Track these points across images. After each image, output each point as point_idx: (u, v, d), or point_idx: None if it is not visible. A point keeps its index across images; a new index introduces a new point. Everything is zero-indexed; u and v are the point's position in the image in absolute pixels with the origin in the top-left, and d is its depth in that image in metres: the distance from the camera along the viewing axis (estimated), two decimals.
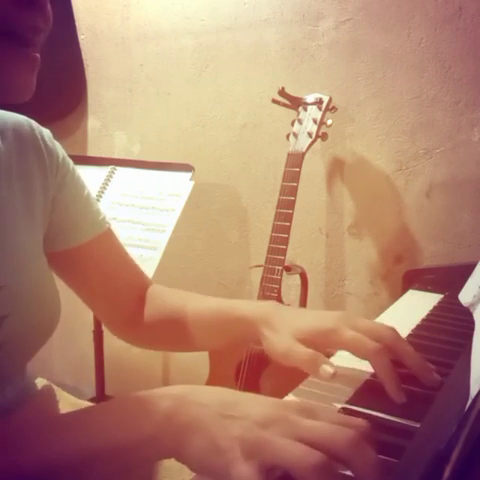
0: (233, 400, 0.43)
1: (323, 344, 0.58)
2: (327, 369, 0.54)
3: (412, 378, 0.60)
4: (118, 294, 0.78)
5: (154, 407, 0.42)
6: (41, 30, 0.48)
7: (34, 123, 0.68)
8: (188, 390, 0.44)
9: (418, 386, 0.58)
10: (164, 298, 0.79)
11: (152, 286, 0.82)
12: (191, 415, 0.41)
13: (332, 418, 0.41)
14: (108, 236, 0.76)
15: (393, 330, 0.58)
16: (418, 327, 0.78)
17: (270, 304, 0.66)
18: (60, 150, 0.71)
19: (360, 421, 0.41)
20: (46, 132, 0.69)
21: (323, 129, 1.38)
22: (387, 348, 0.55)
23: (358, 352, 0.56)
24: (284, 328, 0.60)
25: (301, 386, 0.60)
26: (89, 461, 0.41)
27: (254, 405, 0.42)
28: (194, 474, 0.43)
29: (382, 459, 0.42)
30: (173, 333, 0.76)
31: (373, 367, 0.56)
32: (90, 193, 0.75)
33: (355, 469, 0.37)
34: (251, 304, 0.68)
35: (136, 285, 0.80)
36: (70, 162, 0.73)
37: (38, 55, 0.49)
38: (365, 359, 0.56)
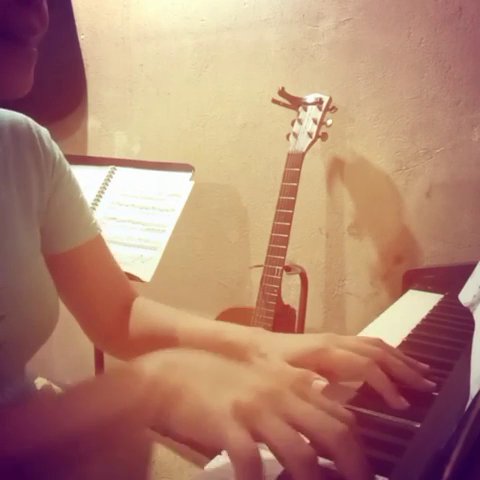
0: (225, 367, 0.43)
1: (313, 365, 0.57)
2: (320, 384, 0.54)
3: None
4: (102, 302, 0.76)
5: (139, 374, 0.42)
6: (37, 30, 0.48)
7: (32, 122, 0.67)
8: (178, 355, 0.44)
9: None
10: (151, 313, 0.77)
11: (138, 298, 0.80)
12: (179, 380, 0.41)
13: (322, 403, 0.41)
14: (99, 242, 0.75)
15: (380, 344, 0.58)
16: (418, 327, 0.78)
17: (257, 330, 0.66)
18: (57, 151, 0.70)
19: (346, 413, 0.41)
20: (44, 131, 0.69)
21: (323, 129, 1.38)
22: (377, 362, 0.55)
23: (349, 369, 0.56)
24: (272, 352, 0.60)
25: None
26: (84, 435, 0.41)
27: (247, 375, 0.42)
28: (194, 474, 0.43)
29: (372, 457, 0.42)
30: (159, 350, 0.75)
31: (368, 381, 0.55)
32: (84, 197, 0.74)
33: (341, 465, 0.37)
34: (239, 329, 0.67)
35: (121, 295, 0.78)
36: (66, 164, 0.72)
37: (35, 50, 0.49)
38: (357, 376, 0.57)
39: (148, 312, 0.77)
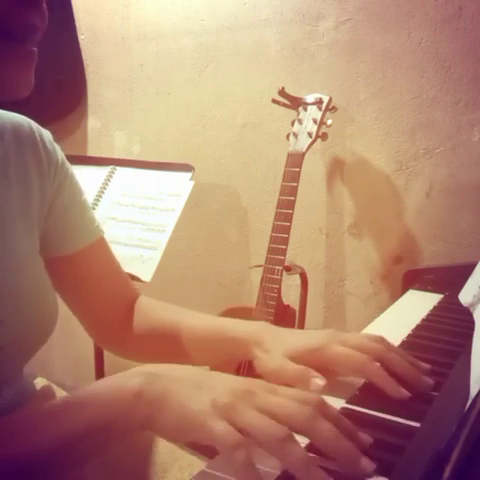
0: (202, 375, 0.47)
1: (314, 361, 0.59)
2: (317, 382, 0.55)
3: None
4: (106, 303, 0.76)
5: (126, 385, 0.46)
6: (38, 29, 0.48)
7: (34, 124, 0.67)
8: (161, 368, 0.48)
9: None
10: (156, 312, 0.78)
11: (140, 298, 0.80)
12: (161, 388, 0.45)
13: (291, 394, 0.45)
14: (101, 244, 0.75)
15: (381, 341, 0.59)
16: (418, 327, 0.78)
17: (262, 325, 0.67)
18: (60, 153, 0.70)
19: (313, 396, 0.45)
20: (46, 134, 0.68)
21: (323, 129, 1.38)
22: (376, 359, 0.56)
23: (348, 366, 0.58)
24: (275, 348, 0.62)
25: None
26: (70, 444, 0.45)
27: (222, 380, 0.46)
28: (194, 474, 0.43)
29: (376, 457, 0.42)
30: (165, 347, 0.76)
31: (367, 377, 0.57)
32: (86, 199, 0.74)
33: (314, 439, 0.42)
34: (243, 325, 0.68)
35: (124, 296, 0.79)
36: (69, 167, 0.71)
37: (35, 49, 0.49)
38: (357, 373, 0.58)
39: (152, 311, 0.78)
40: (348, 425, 0.44)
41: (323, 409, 0.44)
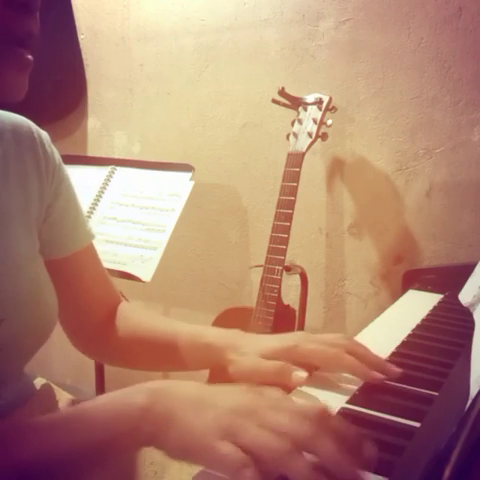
0: (207, 392, 0.47)
1: (290, 359, 0.60)
2: (299, 374, 0.57)
3: (412, 378, 0.60)
4: (91, 306, 0.77)
5: (131, 402, 0.45)
6: (34, 35, 0.48)
7: (34, 125, 0.67)
8: (163, 384, 0.47)
9: (418, 386, 0.58)
10: (137, 318, 0.79)
11: (122, 303, 0.81)
12: (166, 407, 0.44)
13: (294, 408, 0.44)
14: (91, 249, 0.75)
15: (347, 338, 0.63)
16: (418, 327, 0.78)
17: (234, 331, 0.69)
18: (57, 156, 0.70)
19: (316, 409, 0.44)
20: (45, 135, 0.68)
21: (323, 129, 1.38)
22: (346, 352, 0.60)
23: (321, 360, 0.61)
24: (251, 350, 0.63)
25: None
26: (73, 458, 0.44)
27: (227, 396, 0.46)
28: (194, 474, 0.43)
29: (378, 457, 0.42)
30: (144, 353, 0.76)
31: (342, 367, 0.61)
32: (79, 203, 0.74)
33: (318, 455, 0.41)
34: (217, 332, 0.70)
35: (109, 299, 0.79)
36: (65, 169, 0.72)
37: (31, 57, 0.49)
38: (329, 368, 0.61)
39: (134, 317, 0.78)
40: (352, 438, 0.43)
41: (326, 423, 0.43)
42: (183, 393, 0.46)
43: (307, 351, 0.61)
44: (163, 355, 0.73)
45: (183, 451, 0.43)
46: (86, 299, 0.76)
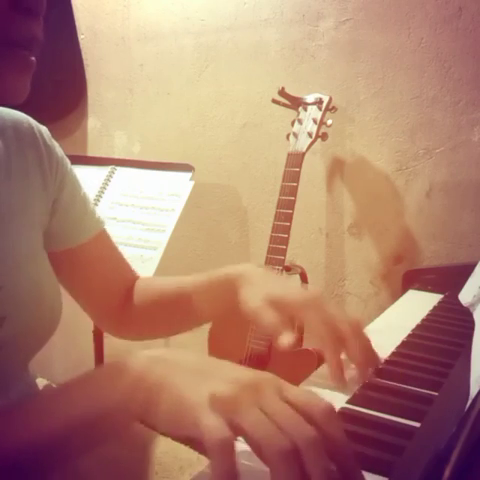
0: (208, 361, 0.44)
1: (287, 314, 0.62)
2: (284, 340, 0.58)
3: (412, 378, 0.60)
4: (110, 289, 0.79)
5: (127, 368, 0.43)
6: (38, 39, 0.49)
7: (33, 121, 0.67)
8: (164, 351, 0.45)
9: (418, 386, 0.58)
10: (155, 284, 0.82)
11: (139, 279, 0.83)
12: (162, 373, 0.42)
13: (299, 400, 0.40)
14: (103, 235, 0.77)
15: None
16: (418, 327, 0.78)
17: (249, 265, 0.72)
18: (59, 149, 0.70)
19: (322, 403, 0.40)
20: (45, 130, 0.69)
21: (323, 129, 1.38)
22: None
23: (320, 338, 0.61)
24: (259, 286, 0.66)
25: (302, 385, 0.60)
26: (71, 429, 0.43)
27: (229, 369, 0.43)
28: (194, 474, 0.43)
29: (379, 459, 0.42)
30: (168, 313, 0.78)
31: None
32: (86, 193, 0.76)
33: (308, 462, 0.36)
34: (234, 266, 0.72)
35: (125, 279, 0.81)
36: (68, 162, 0.73)
37: (34, 59, 0.49)
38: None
39: (151, 285, 0.82)
40: (346, 448, 0.39)
41: (328, 421, 0.39)
42: (181, 361, 0.44)
43: (308, 321, 0.62)
44: (178, 309, 0.75)
45: (170, 422, 0.40)
46: (104, 283, 0.78)
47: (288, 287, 0.66)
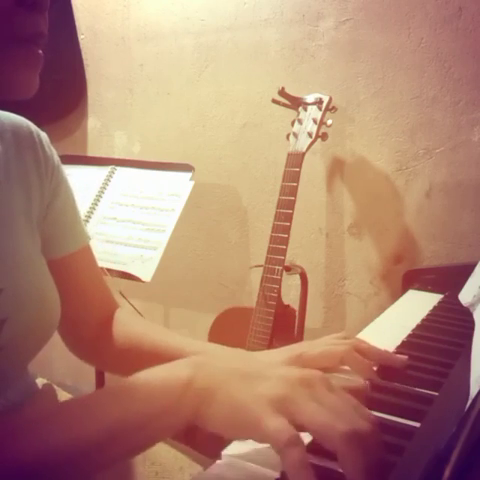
0: (254, 363, 0.45)
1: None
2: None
3: (412, 378, 0.60)
4: (86, 310, 0.76)
5: (174, 376, 0.44)
6: (44, 33, 0.49)
7: (33, 126, 0.67)
8: (208, 356, 0.47)
9: (418, 386, 0.58)
10: (135, 326, 0.77)
11: (119, 310, 0.80)
12: (210, 379, 0.43)
13: (345, 396, 0.42)
14: (88, 250, 0.75)
15: (349, 335, 0.64)
16: (418, 327, 0.78)
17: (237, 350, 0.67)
18: (56, 157, 0.70)
19: (368, 412, 0.42)
20: (44, 136, 0.69)
21: (323, 129, 1.38)
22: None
23: (332, 359, 0.60)
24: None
25: None
26: (116, 435, 0.43)
27: (273, 368, 0.44)
28: (194, 474, 0.43)
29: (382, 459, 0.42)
30: (141, 362, 0.74)
31: (348, 365, 0.60)
32: (77, 205, 0.75)
33: (342, 455, 0.38)
34: (221, 350, 0.67)
35: (104, 305, 0.78)
36: (64, 171, 0.72)
37: (41, 52, 0.50)
38: (339, 363, 0.60)
39: (131, 324, 0.77)
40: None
41: (366, 422, 0.41)
42: (227, 363, 0.45)
43: (316, 355, 0.60)
44: (156, 363, 0.72)
45: (229, 426, 0.41)
46: (82, 300, 0.75)
47: (280, 353, 0.62)
